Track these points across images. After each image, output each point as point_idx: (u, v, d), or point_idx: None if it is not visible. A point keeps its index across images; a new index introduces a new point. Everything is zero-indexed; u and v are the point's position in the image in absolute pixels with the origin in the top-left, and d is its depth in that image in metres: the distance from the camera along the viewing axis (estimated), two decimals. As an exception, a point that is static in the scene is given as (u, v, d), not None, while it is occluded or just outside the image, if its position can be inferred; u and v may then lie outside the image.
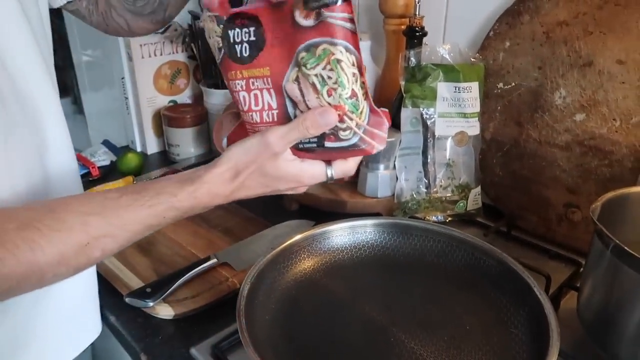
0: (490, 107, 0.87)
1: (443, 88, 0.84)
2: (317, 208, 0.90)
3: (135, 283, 0.73)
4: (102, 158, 1.16)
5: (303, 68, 0.44)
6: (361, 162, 0.88)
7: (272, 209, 0.95)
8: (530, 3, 0.79)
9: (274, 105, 0.47)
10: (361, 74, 0.46)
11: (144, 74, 1.16)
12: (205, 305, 0.69)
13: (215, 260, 0.76)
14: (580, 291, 0.62)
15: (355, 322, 0.60)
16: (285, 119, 0.48)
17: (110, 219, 0.45)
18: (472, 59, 0.85)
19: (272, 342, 0.56)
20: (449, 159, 0.87)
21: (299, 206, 0.95)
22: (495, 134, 0.88)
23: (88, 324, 0.67)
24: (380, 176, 0.88)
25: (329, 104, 0.45)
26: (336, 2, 0.42)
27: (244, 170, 0.48)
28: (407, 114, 0.85)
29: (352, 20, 0.43)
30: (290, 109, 0.47)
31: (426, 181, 0.88)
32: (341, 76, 0.44)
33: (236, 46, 0.47)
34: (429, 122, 0.85)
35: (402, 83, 0.85)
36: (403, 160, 0.88)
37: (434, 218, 0.87)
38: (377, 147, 0.48)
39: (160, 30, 1.11)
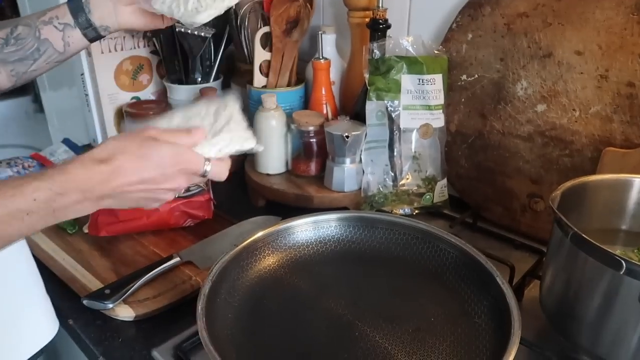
0: (455, 99, 0.87)
1: (407, 80, 0.84)
2: (283, 204, 0.89)
3: (94, 285, 0.70)
4: (63, 157, 1.12)
5: None
6: (327, 157, 0.89)
7: (238, 205, 0.94)
8: (491, -5, 0.80)
9: None
10: None
11: (104, 70, 1.12)
12: (168, 305, 0.67)
13: (178, 259, 0.74)
14: (542, 280, 0.62)
15: (320, 317, 0.59)
16: None
17: None
18: (436, 51, 0.85)
19: (235, 341, 0.55)
20: (415, 152, 0.87)
21: (265, 202, 0.94)
22: (459, 126, 0.88)
23: (43, 323, 0.65)
24: (347, 170, 0.87)
25: None
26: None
27: (120, 153, 0.50)
28: (372, 107, 0.85)
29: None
30: None
31: (393, 174, 0.88)
32: None
33: None
34: (393, 115, 0.85)
35: (367, 76, 0.84)
36: (369, 153, 0.87)
37: (401, 211, 0.87)
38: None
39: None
